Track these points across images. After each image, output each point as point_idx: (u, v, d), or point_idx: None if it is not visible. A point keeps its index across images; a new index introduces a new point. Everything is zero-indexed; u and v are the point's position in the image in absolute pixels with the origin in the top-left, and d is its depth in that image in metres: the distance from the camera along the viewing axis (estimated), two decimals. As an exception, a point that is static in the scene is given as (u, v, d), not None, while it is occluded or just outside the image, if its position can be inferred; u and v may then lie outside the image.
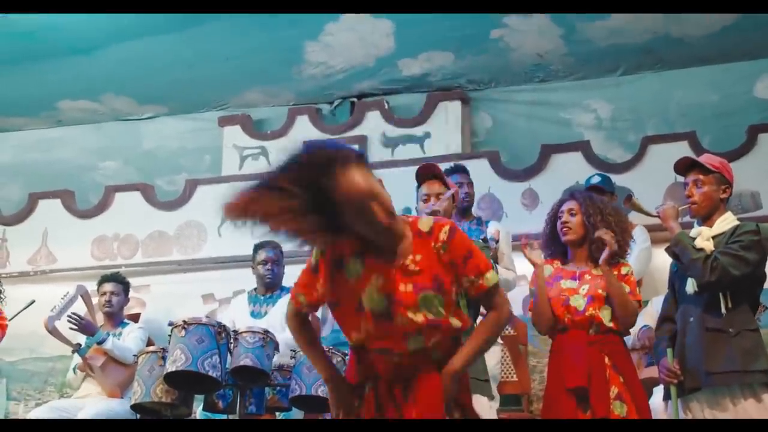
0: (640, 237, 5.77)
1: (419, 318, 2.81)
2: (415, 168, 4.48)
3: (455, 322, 2.87)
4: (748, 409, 3.74)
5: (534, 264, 4.27)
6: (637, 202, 4.30)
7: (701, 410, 3.86)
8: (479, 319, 3.26)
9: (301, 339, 3.13)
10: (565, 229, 4.20)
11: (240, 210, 2.55)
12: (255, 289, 6.11)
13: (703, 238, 3.95)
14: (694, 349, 3.85)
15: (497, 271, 5.13)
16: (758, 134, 6.56)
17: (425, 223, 2.90)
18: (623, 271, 4.14)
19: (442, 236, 2.85)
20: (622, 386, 3.94)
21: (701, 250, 3.87)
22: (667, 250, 4.02)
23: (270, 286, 6.01)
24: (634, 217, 6.03)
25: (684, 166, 4.16)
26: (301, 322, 3.11)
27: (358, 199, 2.60)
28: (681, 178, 5.97)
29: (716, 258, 3.79)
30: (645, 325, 5.33)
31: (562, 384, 3.98)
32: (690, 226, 4.22)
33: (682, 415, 3.93)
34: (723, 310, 3.85)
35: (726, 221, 4.02)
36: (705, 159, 4.15)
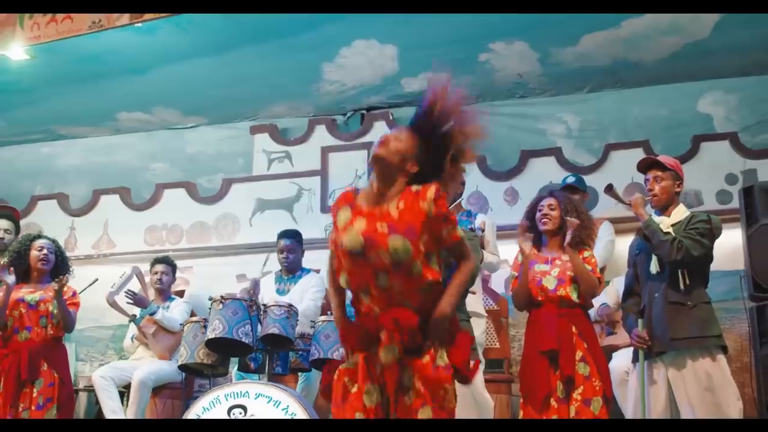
0: (606, 230, 5.79)
1: (386, 257, 2.83)
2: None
3: (417, 268, 2.87)
4: (705, 366, 3.83)
5: (522, 252, 4.30)
6: (616, 191, 4.35)
7: (665, 369, 3.92)
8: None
9: (331, 287, 3.16)
10: (545, 220, 4.25)
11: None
12: (280, 270, 6.14)
13: (665, 225, 4.01)
14: (660, 320, 3.92)
15: (483, 256, 5.18)
16: (701, 143, 6.58)
17: (415, 187, 2.97)
18: (585, 254, 4.22)
19: (430, 194, 2.90)
20: (585, 351, 3.99)
21: (668, 233, 3.93)
22: (639, 232, 4.08)
23: (288, 270, 6.03)
24: (602, 212, 6.12)
25: (646, 165, 4.20)
26: (336, 284, 3.10)
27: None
28: (638, 178, 6.01)
29: (681, 240, 3.87)
30: (604, 303, 5.38)
31: (536, 348, 4.04)
32: (635, 219, 4.29)
33: (647, 374, 3.99)
34: (682, 286, 3.92)
35: (680, 212, 4.10)
36: (663, 159, 4.22)
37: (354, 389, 2.93)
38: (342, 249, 2.91)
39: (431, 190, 2.91)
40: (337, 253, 2.98)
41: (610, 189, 4.32)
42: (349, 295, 3.12)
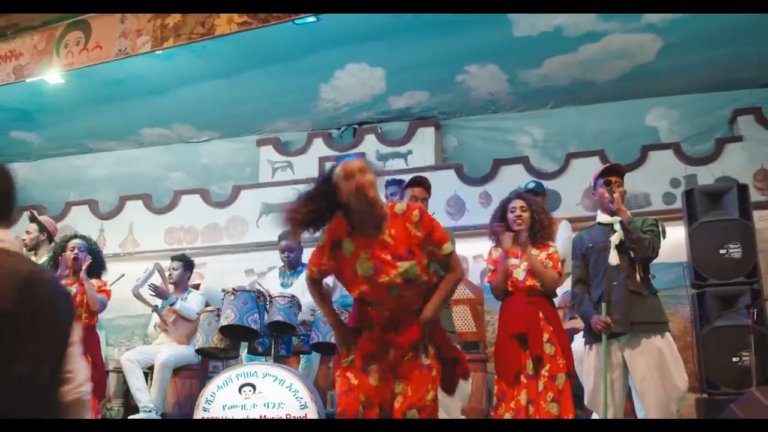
0: (564, 228, 5.81)
1: (397, 278, 2.94)
2: (401, 176, 4.54)
3: (424, 279, 3.02)
4: (658, 344, 3.85)
5: (503, 249, 4.22)
6: (612, 188, 4.08)
7: (621, 349, 3.92)
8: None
9: (316, 297, 3.26)
10: (519, 221, 4.20)
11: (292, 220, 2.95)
12: (283, 266, 6.11)
13: (617, 223, 4.02)
14: (621, 305, 3.90)
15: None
16: (648, 152, 6.63)
17: (399, 207, 3.07)
18: (550, 250, 4.19)
19: (414, 218, 3.01)
20: (551, 333, 3.99)
21: (646, 233, 3.93)
22: (623, 224, 3.98)
23: (290, 266, 5.99)
24: (563, 212, 6.14)
25: (610, 170, 4.18)
26: (316, 285, 3.23)
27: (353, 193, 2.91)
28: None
29: (651, 241, 3.90)
30: (566, 291, 5.35)
31: (508, 331, 4.03)
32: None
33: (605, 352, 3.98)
34: (638, 278, 3.94)
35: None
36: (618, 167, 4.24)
37: (356, 382, 3.05)
38: (357, 276, 3.02)
39: (415, 214, 3.02)
40: (348, 277, 3.08)
41: (609, 184, 4.09)
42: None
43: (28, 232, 5.91)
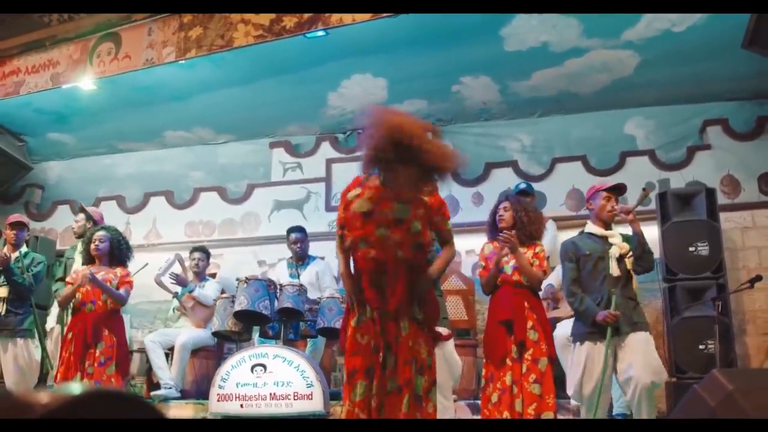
0: (549, 226, 5.83)
1: (389, 215, 2.88)
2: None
3: (416, 227, 2.91)
4: (642, 339, 3.88)
5: (500, 251, 4.17)
6: (641, 199, 4.05)
7: (613, 344, 3.93)
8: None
9: (338, 246, 3.13)
10: (501, 219, 4.24)
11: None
12: (291, 257, 6.14)
13: (618, 237, 4.04)
14: (622, 309, 3.91)
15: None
16: (626, 158, 6.66)
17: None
18: (537, 249, 4.18)
19: (428, 187, 2.96)
20: (535, 321, 4.00)
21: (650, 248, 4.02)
22: (636, 236, 3.99)
23: (299, 258, 6.04)
24: (547, 213, 6.14)
25: (619, 188, 4.17)
26: (343, 248, 3.09)
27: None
28: (578, 186, 6.03)
29: (653, 258, 4.01)
30: (549, 284, 5.37)
31: (496, 318, 4.05)
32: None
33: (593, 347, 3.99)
34: (634, 287, 4.03)
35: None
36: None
37: (364, 341, 2.98)
38: (353, 213, 2.95)
39: (430, 185, 2.98)
40: (351, 220, 3.00)
41: (645, 195, 4.03)
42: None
43: (76, 221, 5.98)
